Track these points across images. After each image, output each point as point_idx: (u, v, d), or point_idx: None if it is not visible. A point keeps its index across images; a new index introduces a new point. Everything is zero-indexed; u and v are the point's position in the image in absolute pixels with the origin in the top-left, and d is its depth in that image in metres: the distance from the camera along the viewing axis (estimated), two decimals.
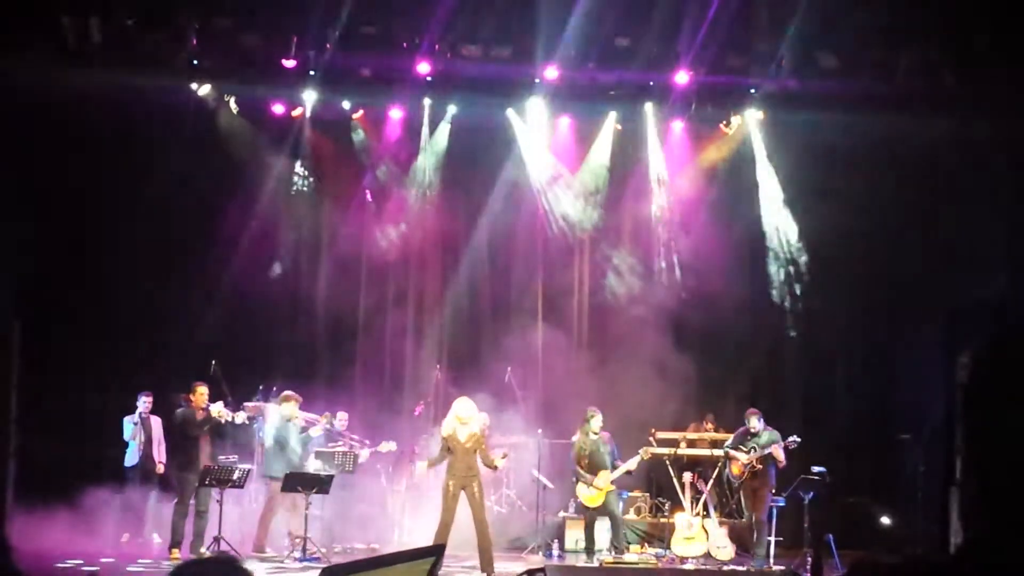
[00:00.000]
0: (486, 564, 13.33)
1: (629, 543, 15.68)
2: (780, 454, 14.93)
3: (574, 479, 15.32)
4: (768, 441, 15.02)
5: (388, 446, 16.42)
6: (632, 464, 15.33)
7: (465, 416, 13.38)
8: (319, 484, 14.67)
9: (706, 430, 17.47)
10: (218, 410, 15.03)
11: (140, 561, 14.26)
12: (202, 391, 15.14)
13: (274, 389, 17.02)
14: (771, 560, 15.23)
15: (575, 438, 15.37)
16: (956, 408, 15.29)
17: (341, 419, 16.59)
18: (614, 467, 15.14)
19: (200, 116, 17.80)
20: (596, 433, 15.19)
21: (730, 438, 15.90)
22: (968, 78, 16.33)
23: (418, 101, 18.36)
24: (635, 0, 16.47)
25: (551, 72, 17.23)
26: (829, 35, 16.64)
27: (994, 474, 2.40)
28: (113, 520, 15.60)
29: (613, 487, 15.16)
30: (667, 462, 16.18)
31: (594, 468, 15.09)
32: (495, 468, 14.02)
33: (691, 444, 16.95)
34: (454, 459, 13.38)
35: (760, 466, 15.02)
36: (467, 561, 13.92)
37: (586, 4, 16.06)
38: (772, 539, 15.35)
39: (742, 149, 18.60)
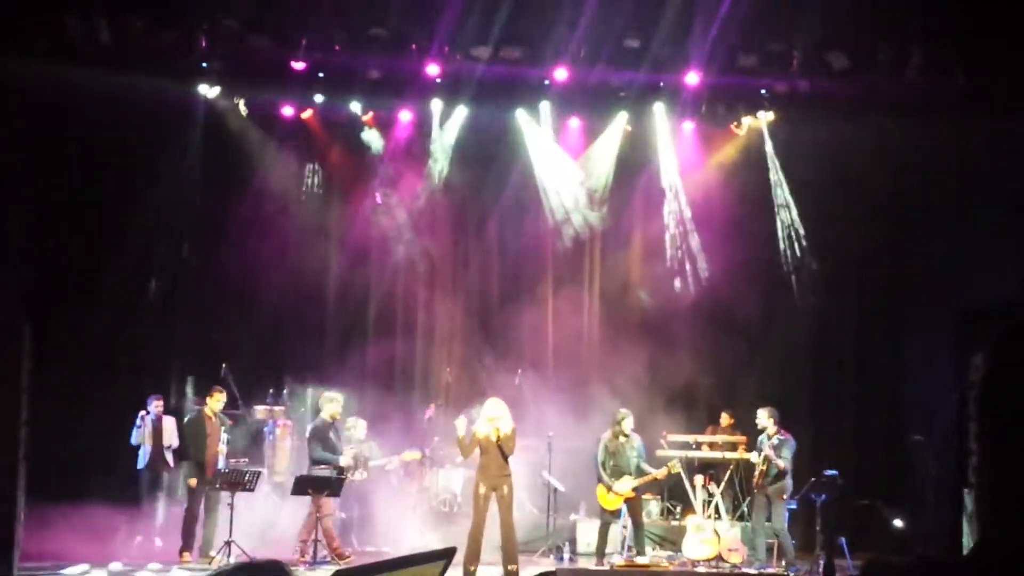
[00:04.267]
0: (510, 570, 13.25)
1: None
2: (772, 455, 14.79)
3: (598, 480, 15.23)
4: (774, 442, 14.89)
5: (412, 455, 16.41)
6: (660, 473, 15.23)
7: (496, 416, 13.35)
8: (330, 487, 14.63)
9: (723, 427, 17.37)
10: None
11: (151, 565, 14.26)
12: (219, 396, 15.13)
13: (284, 392, 17.03)
14: (774, 562, 15.21)
15: (603, 437, 15.27)
16: (967, 408, 15.24)
17: (361, 428, 16.54)
18: (639, 470, 15.05)
19: (209, 118, 17.79)
20: (627, 435, 15.12)
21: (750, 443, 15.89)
22: (980, 78, 16.25)
23: (427, 103, 18.33)
24: (645, 0, 16.42)
25: (561, 73, 17.19)
26: (840, 35, 16.57)
27: (1008, 473, 2.36)
28: (124, 523, 15.59)
29: (635, 494, 15.08)
30: (682, 463, 16.11)
31: (618, 471, 15.01)
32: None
33: (710, 446, 16.87)
34: (486, 460, 13.32)
35: (764, 467, 14.92)
36: (488, 563, 13.91)
37: (596, 5, 16.02)
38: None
39: (753, 150, 18.54)
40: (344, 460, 15.02)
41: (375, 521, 15.96)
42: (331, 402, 15.21)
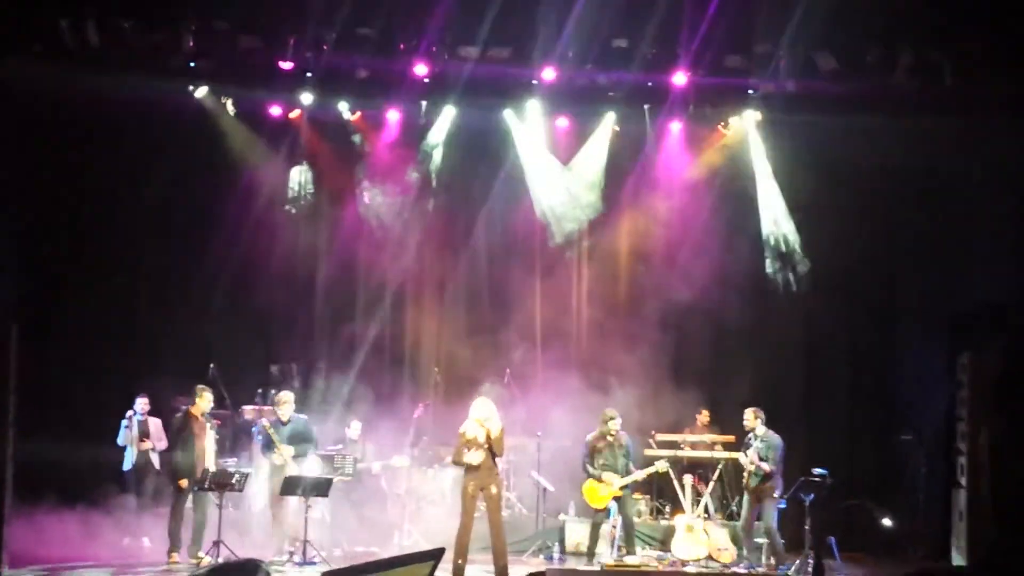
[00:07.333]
0: (500, 568, 13.26)
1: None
2: (755, 459, 14.77)
3: (585, 477, 15.21)
4: (759, 446, 14.88)
5: (401, 461, 16.40)
6: (642, 474, 15.25)
7: (483, 417, 13.34)
8: (318, 488, 14.63)
9: (702, 425, 17.41)
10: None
11: (139, 565, 14.26)
12: (207, 396, 15.10)
13: (272, 392, 16.99)
14: (763, 561, 15.22)
15: (590, 437, 15.25)
16: (957, 408, 15.28)
17: (355, 428, 16.58)
18: (628, 471, 15.04)
19: (198, 118, 17.76)
20: (613, 435, 15.10)
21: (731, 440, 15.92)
22: (967, 78, 16.28)
23: (415, 102, 18.31)
24: (633, 1, 16.42)
25: (549, 73, 17.17)
26: (827, 36, 16.58)
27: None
28: (111, 523, 15.56)
29: (622, 492, 15.06)
30: (667, 464, 16.11)
31: (607, 470, 14.99)
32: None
33: (692, 446, 16.93)
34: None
35: (752, 468, 14.91)
36: (479, 563, 13.91)
37: (584, 5, 16.01)
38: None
39: (740, 150, 18.55)
40: (276, 459, 15.03)
41: (364, 522, 15.94)
42: (276, 404, 15.44)
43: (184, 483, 14.61)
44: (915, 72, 16.48)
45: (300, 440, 15.20)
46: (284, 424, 15.25)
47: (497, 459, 13.56)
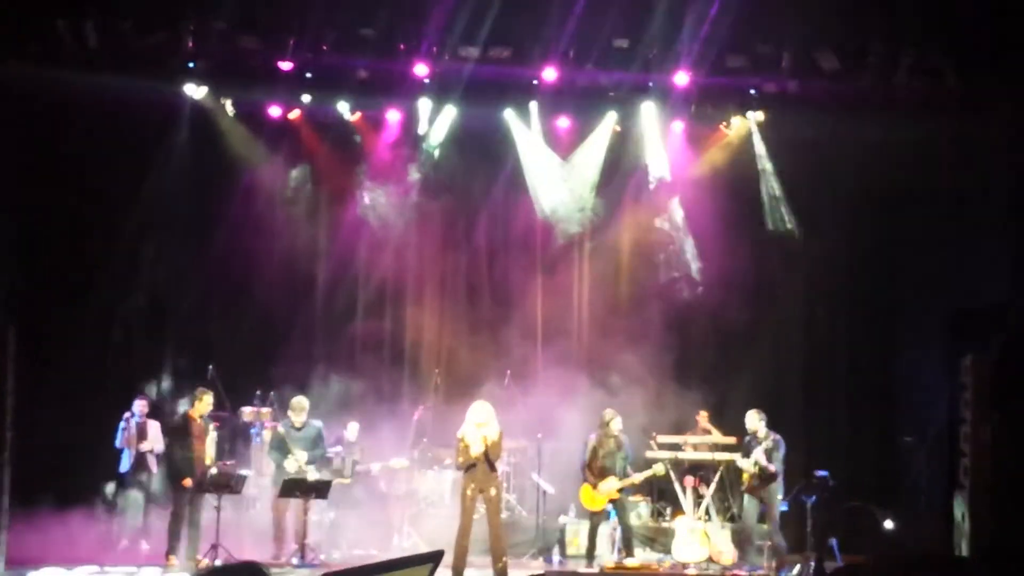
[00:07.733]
0: (499, 570, 13.22)
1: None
2: (763, 460, 14.76)
3: (583, 479, 15.16)
4: (763, 447, 14.85)
5: (400, 462, 16.35)
6: (640, 477, 15.19)
7: (482, 420, 13.30)
8: (317, 490, 14.58)
9: (702, 429, 17.35)
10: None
11: (137, 567, 14.21)
12: (206, 399, 15.06)
13: (272, 394, 16.95)
14: (764, 563, 15.16)
15: (590, 438, 15.20)
16: (959, 409, 15.23)
17: (352, 430, 16.53)
18: (625, 473, 14.98)
19: (196, 118, 17.71)
20: (614, 436, 15.04)
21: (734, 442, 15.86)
22: (969, 79, 16.24)
23: (416, 103, 18.25)
24: (634, 1, 16.38)
25: (550, 73, 17.13)
26: (829, 36, 16.55)
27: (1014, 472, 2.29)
28: (109, 526, 15.52)
29: (619, 495, 15.00)
30: (668, 466, 16.05)
31: (605, 472, 14.94)
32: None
33: (694, 447, 16.87)
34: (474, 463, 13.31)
35: (756, 471, 14.86)
36: (478, 565, 13.86)
37: (585, 5, 15.97)
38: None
39: (742, 150, 18.49)
40: (290, 464, 15.01)
41: (363, 524, 15.89)
42: (291, 409, 15.45)
43: (188, 482, 14.57)
44: (917, 72, 16.44)
45: (314, 446, 15.23)
46: (298, 430, 15.25)
47: (495, 463, 13.53)
